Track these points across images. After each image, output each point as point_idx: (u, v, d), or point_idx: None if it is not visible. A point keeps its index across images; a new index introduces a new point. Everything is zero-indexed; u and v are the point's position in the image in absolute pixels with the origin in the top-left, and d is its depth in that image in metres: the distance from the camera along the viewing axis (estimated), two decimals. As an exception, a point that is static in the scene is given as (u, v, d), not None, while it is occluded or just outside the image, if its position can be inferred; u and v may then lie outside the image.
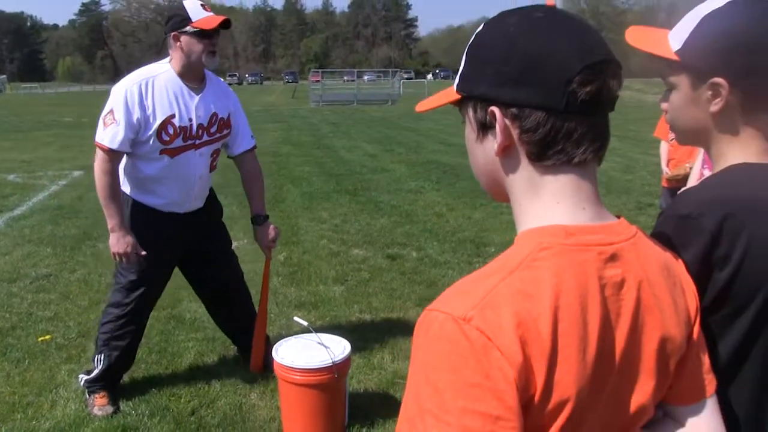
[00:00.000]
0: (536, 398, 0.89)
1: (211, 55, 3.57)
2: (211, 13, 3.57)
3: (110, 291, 3.94)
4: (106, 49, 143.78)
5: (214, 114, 3.72)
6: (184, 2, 3.55)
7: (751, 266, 1.24)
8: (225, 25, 3.58)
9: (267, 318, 4.25)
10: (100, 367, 3.81)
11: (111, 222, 3.54)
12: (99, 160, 3.51)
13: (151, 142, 3.53)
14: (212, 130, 3.72)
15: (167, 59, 3.64)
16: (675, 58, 1.32)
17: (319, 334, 3.46)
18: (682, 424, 1.12)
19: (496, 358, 0.86)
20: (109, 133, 3.47)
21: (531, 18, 0.98)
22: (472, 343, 0.87)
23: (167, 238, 3.75)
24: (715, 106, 1.30)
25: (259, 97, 46.86)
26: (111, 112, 3.48)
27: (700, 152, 4.26)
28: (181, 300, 5.45)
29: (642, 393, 1.03)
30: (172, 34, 3.54)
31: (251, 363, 4.08)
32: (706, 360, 1.13)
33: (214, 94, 3.76)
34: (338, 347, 3.41)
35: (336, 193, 10.09)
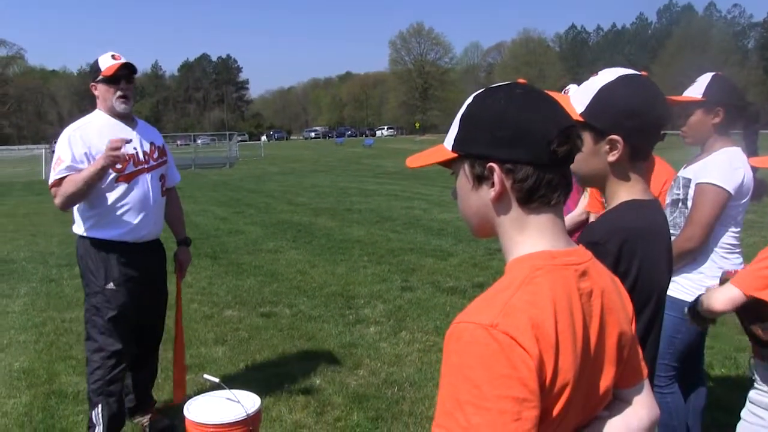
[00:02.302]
0: (547, 383, 1.17)
1: (122, 100, 3.86)
2: (119, 61, 3.85)
3: (86, 339, 3.96)
4: None
5: (152, 143, 4.05)
6: (100, 56, 3.89)
7: (643, 280, 1.67)
8: (129, 69, 3.87)
9: (184, 344, 4.50)
10: (103, 423, 3.79)
11: (92, 169, 3.64)
12: (56, 197, 3.75)
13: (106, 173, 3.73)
14: (155, 156, 4.02)
15: (97, 108, 3.96)
16: (580, 119, 1.73)
17: (231, 390, 3.58)
18: (628, 403, 1.43)
19: (519, 353, 1.13)
20: (57, 170, 3.73)
21: (515, 93, 1.29)
22: (500, 343, 1.13)
23: (132, 267, 3.89)
24: (612, 157, 1.74)
25: (89, 165, 45.00)
26: (58, 158, 3.77)
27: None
28: (58, 374, 5.31)
29: (607, 378, 1.34)
30: (91, 84, 3.91)
31: (175, 395, 4.24)
32: (639, 351, 1.46)
33: (147, 129, 4.13)
34: (248, 401, 3.54)
35: (196, 257, 9.93)
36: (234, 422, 3.38)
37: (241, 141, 65.85)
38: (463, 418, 1.12)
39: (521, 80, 1.36)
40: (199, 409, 3.49)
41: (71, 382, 5.14)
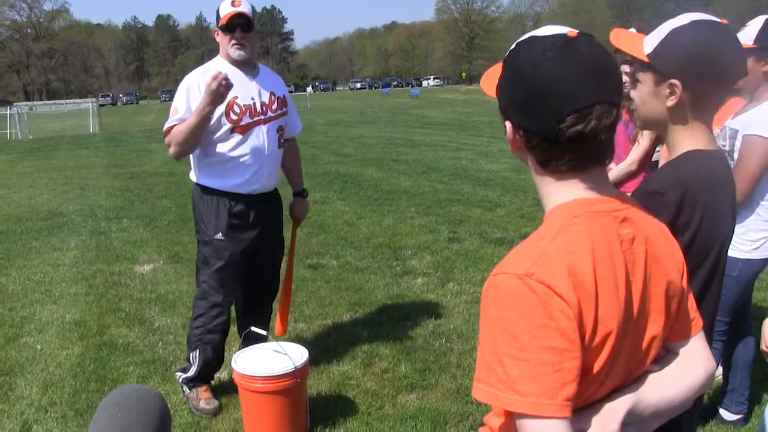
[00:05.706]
0: (588, 333, 1.11)
1: (237, 47, 3.84)
2: (236, 9, 3.84)
3: (197, 283, 4.05)
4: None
5: (272, 93, 4.00)
6: (222, 1, 3.91)
7: (704, 231, 1.58)
8: (245, 18, 3.84)
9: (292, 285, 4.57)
10: (197, 365, 3.96)
11: (195, 114, 3.61)
12: (169, 146, 3.79)
13: (221, 123, 3.77)
14: (273, 107, 3.98)
15: (218, 55, 3.98)
16: (645, 59, 1.62)
17: (278, 342, 3.56)
18: (681, 356, 1.36)
19: (557, 302, 1.08)
20: (171, 119, 3.76)
21: (543, 56, 1.17)
22: (537, 293, 1.08)
23: (243, 218, 3.92)
24: (670, 102, 1.65)
25: (136, 118, 45.21)
26: (174, 107, 3.80)
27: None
28: (108, 326, 5.38)
29: (654, 328, 1.27)
30: (213, 30, 4.00)
31: (277, 329, 4.32)
32: (693, 303, 1.39)
33: (269, 78, 4.08)
34: (296, 353, 3.52)
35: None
36: (282, 374, 3.36)
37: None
38: (503, 371, 1.08)
39: (571, 32, 1.20)
40: (246, 361, 3.48)
41: (121, 334, 5.21)
